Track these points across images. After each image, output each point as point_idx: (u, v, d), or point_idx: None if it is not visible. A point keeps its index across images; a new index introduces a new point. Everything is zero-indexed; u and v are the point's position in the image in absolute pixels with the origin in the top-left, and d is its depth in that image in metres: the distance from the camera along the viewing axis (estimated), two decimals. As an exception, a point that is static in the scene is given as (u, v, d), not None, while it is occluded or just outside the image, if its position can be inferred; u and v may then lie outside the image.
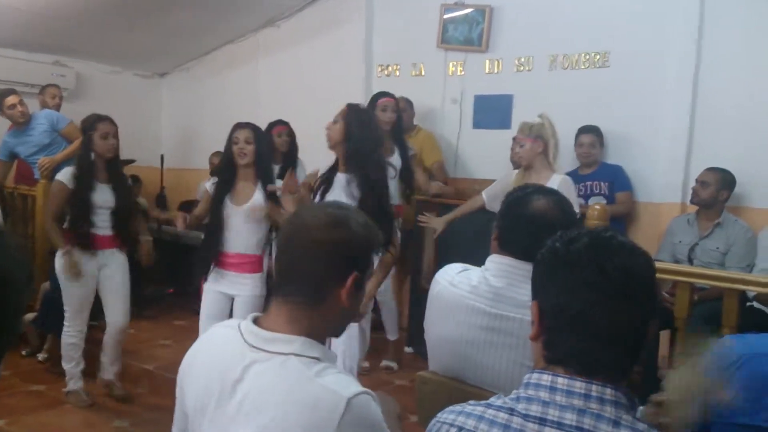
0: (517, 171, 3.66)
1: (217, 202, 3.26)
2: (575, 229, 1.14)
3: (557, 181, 3.39)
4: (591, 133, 4.25)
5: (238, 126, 3.27)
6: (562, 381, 1.04)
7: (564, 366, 1.06)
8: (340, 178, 3.01)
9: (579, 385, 1.03)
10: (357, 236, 1.34)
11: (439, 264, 4.28)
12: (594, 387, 1.02)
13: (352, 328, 2.82)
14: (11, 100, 4.84)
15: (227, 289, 3.26)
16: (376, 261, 1.52)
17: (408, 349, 4.71)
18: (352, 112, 2.99)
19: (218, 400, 1.31)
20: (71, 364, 3.68)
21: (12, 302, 0.74)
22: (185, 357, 1.43)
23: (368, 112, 3.06)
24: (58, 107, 5.32)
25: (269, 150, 3.36)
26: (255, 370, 1.28)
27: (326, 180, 3.06)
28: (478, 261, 3.65)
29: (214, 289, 3.28)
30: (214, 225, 3.27)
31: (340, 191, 2.96)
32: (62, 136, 4.91)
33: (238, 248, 3.24)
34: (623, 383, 1.05)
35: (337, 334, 1.43)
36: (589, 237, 1.09)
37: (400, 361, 4.41)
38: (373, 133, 3.02)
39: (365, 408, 1.22)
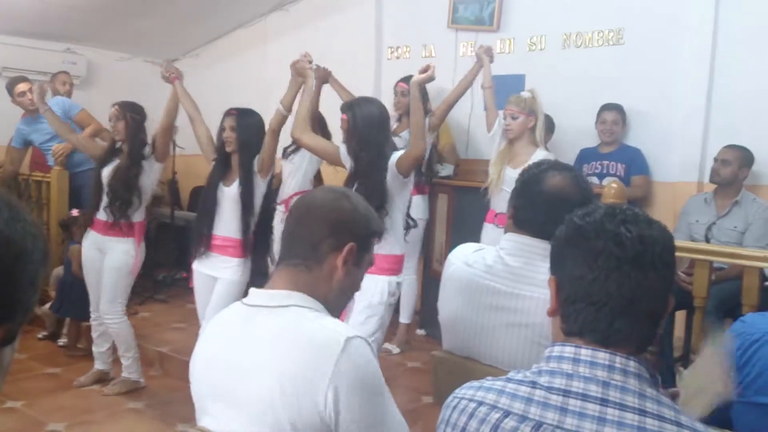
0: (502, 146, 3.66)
1: (211, 184, 3.32)
2: (594, 205, 1.14)
3: (540, 156, 3.40)
4: (614, 110, 4.19)
5: (226, 113, 3.32)
6: (585, 352, 1.03)
7: (582, 337, 1.05)
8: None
9: (602, 356, 1.02)
10: (358, 211, 1.43)
11: (451, 246, 4.32)
12: (618, 359, 1.02)
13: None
14: (21, 87, 4.85)
15: (210, 271, 3.28)
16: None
17: (420, 331, 4.70)
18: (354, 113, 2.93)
19: (222, 359, 1.36)
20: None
21: (27, 274, 0.72)
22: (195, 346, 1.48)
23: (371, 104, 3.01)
24: (69, 94, 5.34)
25: (258, 137, 3.28)
26: (255, 322, 1.34)
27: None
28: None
29: (199, 270, 3.32)
30: (207, 206, 3.30)
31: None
32: (75, 122, 4.91)
33: (222, 230, 3.26)
34: (643, 356, 1.04)
35: (336, 311, 1.44)
36: (605, 209, 1.10)
37: (406, 344, 4.39)
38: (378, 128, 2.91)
39: (364, 350, 1.26)
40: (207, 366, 1.40)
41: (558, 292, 1.11)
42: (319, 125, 4.68)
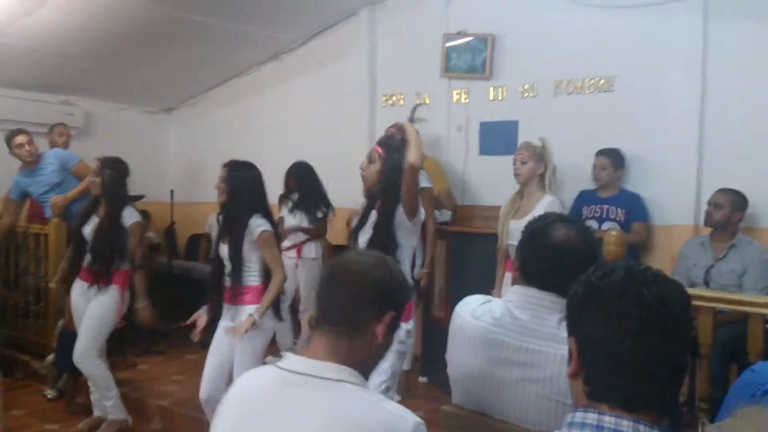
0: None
1: (218, 237, 3.34)
2: (609, 265, 1.14)
3: (547, 201, 3.48)
4: (603, 156, 4.26)
5: (223, 164, 3.34)
6: (608, 419, 1.03)
7: (607, 402, 1.05)
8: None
9: (626, 424, 1.02)
10: (396, 279, 1.45)
11: (450, 291, 4.32)
12: (642, 427, 1.01)
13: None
14: (19, 139, 4.88)
15: (232, 323, 3.26)
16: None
17: (422, 379, 4.66)
18: (389, 151, 2.98)
19: (255, 426, 1.34)
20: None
21: None
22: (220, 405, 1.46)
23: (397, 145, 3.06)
24: (66, 145, 5.37)
25: (254, 186, 3.31)
26: (300, 393, 1.32)
27: (364, 219, 3.07)
28: (489, 284, 3.65)
29: (221, 323, 3.31)
30: (216, 260, 3.33)
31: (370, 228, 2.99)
32: (72, 173, 4.94)
33: (232, 280, 3.26)
34: (665, 419, 1.05)
35: (367, 373, 1.44)
36: (624, 269, 1.10)
37: (407, 390, 4.35)
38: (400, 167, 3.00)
39: None
40: (237, 423, 1.36)
41: (579, 353, 1.11)
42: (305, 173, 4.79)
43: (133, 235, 3.74)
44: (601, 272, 1.11)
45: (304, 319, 4.60)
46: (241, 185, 3.24)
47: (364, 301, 1.39)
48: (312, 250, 4.79)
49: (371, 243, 2.87)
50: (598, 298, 1.08)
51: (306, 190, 4.80)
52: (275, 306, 3.27)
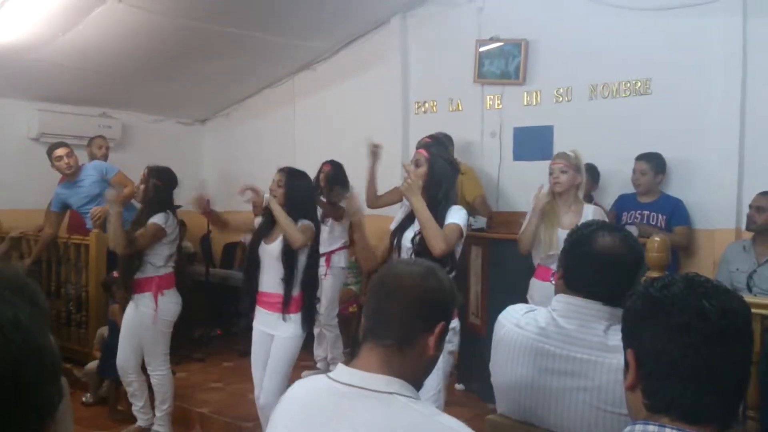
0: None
1: (253, 241, 3.42)
2: (667, 275, 1.13)
3: (590, 210, 3.44)
4: (643, 161, 4.21)
5: (279, 169, 3.44)
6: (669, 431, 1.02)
7: (668, 414, 1.04)
8: None
9: None
10: (445, 289, 1.43)
11: (487, 298, 4.30)
12: None
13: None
14: (59, 152, 5.00)
15: (265, 328, 3.33)
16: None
17: (459, 386, 4.64)
18: (434, 154, 2.95)
19: None
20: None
21: (30, 398, 0.68)
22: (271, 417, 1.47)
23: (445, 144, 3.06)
24: (105, 157, 5.48)
25: (306, 194, 3.42)
26: (354, 406, 1.32)
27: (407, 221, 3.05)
28: (525, 291, 3.61)
29: (256, 327, 3.38)
30: (250, 264, 3.42)
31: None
32: (112, 184, 5.03)
33: (268, 287, 3.32)
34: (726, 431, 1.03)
35: (418, 385, 1.43)
36: (684, 281, 1.09)
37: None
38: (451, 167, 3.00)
39: None
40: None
41: (638, 366, 1.10)
42: (337, 174, 4.78)
43: (145, 230, 3.71)
44: (659, 284, 1.10)
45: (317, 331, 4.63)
46: (296, 191, 3.36)
47: (415, 314, 1.38)
48: (341, 259, 4.79)
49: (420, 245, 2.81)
50: (659, 311, 1.07)
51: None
52: (309, 315, 3.34)
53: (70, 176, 5.07)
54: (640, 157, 4.22)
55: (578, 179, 3.53)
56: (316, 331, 4.57)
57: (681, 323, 1.04)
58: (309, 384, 1.45)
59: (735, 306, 1.05)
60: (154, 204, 3.78)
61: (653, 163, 4.19)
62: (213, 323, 5.77)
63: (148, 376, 3.87)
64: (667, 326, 1.05)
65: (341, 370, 1.39)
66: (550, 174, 3.59)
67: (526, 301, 3.07)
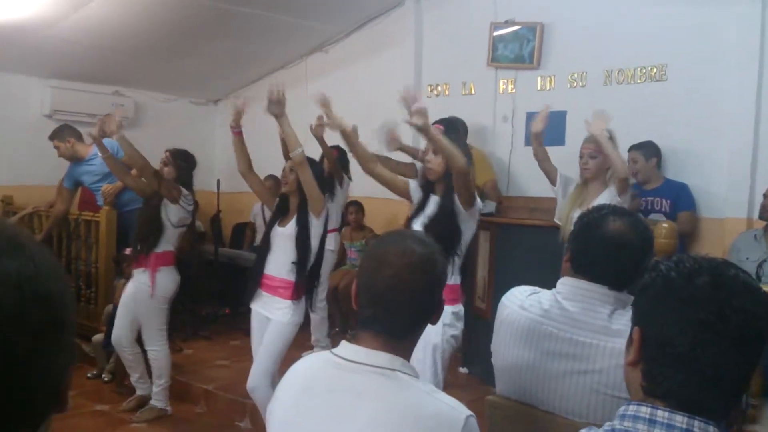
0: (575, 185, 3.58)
1: (269, 224, 3.45)
2: (692, 259, 1.06)
3: (607, 195, 3.35)
4: (635, 150, 4.16)
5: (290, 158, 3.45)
6: (662, 414, 1.00)
7: (664, 401, 1.02)
8: (435, 200, 3.03)
9: (680, 420, 0.99)
10: (443, 275, 1.46)
11: (493, 282, 4.29)
12: (696, 423, 0.98)
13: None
14: (54, 144, 5.04)
15: (264, 311, 3.33)
16: None
17: (462, 369, 4.65)
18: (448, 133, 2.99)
19: (311, 408, 1.37)
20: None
21: (63, 319, 0.72)
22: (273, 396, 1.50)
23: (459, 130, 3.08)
24: (119, 135, 5.49)
25: (316, 178, 3.40)
26: (360, 379, 1.34)
27: (422, 205, 3.07)
28: (533, 277, 3.60)
29: (255, 309, 3.38)
30: (263, 246, 3.43)
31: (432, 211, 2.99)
32: (123, 163, 5.04)
33: (274, 271, 3.31)
34: (723, 423, 1.01)
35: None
36: (711, 275, 1.01)
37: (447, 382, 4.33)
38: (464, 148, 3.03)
39: (476, 427, 1.35)
40: (291, 422, 1.40)
41: (642, 345, 1.06)
42: (342, 160, 4.78)
43: (169, 182, 3.88)
44: (685, 270, 1.03)
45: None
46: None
47: (416, 306, 1.40)
48: (331, 242, 4.77)
49: (429, 230, 2.84)
50: (677, 301, 1.02)
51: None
52: (308, 297, 3.36)
53: (77, 158, 5.09)
54: (630, 148, 4.17)
55: (607, 163, 3.41)
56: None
57: (699, 319, 0.99)
58: (312, 359, 1.48)
59: (759, 311, 0.99)
60: (173, 186, 3.90)
61: (643, 150, 4.15)
62: (221, 302, 5.81)
63: (145, 351, 3.96)
64: (682, 318, 1.00)
65: (345, 347, 1.41)
66: (580, 158, 3.47)
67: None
